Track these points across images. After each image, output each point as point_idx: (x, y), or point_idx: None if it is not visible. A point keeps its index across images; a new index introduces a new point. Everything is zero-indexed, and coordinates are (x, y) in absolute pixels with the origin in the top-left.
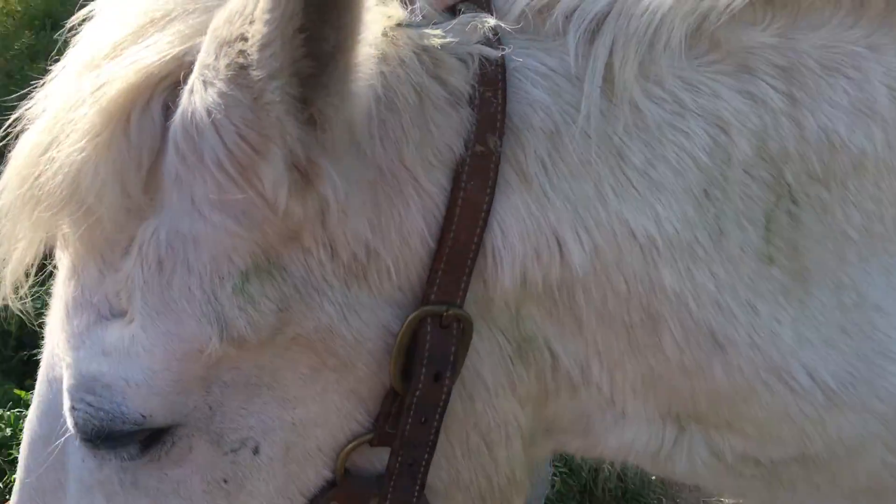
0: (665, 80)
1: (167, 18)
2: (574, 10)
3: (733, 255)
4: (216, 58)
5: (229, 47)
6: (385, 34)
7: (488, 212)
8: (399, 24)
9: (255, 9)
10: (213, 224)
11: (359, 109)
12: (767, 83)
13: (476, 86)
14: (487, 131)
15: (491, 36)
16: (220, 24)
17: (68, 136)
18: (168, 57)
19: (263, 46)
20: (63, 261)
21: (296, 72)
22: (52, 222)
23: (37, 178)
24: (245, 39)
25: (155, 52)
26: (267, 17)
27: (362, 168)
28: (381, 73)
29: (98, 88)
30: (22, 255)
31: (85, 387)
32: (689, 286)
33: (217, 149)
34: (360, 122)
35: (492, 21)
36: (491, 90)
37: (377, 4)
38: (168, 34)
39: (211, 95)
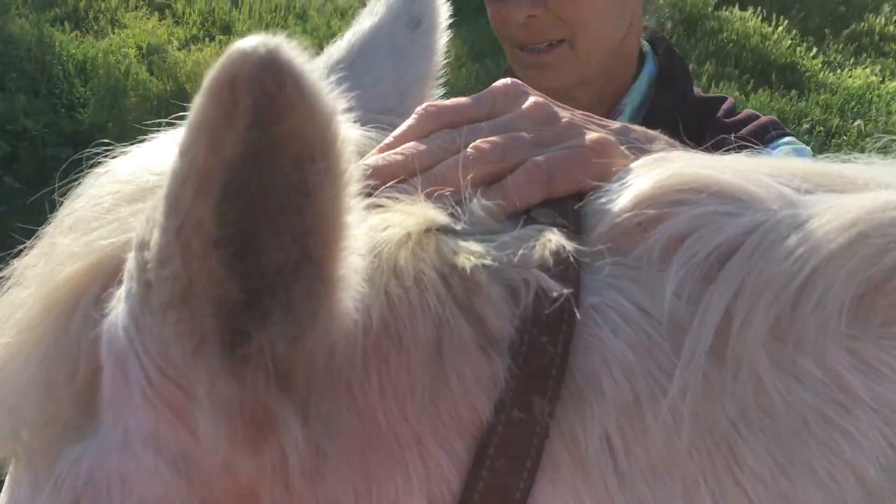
0: (817, 351)
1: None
2: (686, 238)
3: None
4: (134, 264)
5: (140, 252)
6: (409, 238)
7: (524, 502)
8: (430, 230)
9: (154, 210)
10: (146, 466)
11: (337, 338)
12: None
13: (526, 328)
14: (534, 393)
15: (564, 257)
16: (142, 217)
17: (10, 316)
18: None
19: (161, 263)
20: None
21: (215, 299)
22: None
23: None
24: (148, 248)
25: (121, 229)
26: (162, 222)
27: (350, 416)
28: (386, 292)
29: (49, 264)
30: None
31: None
32: None
33: (140, 378)
34: (343, 354)
35: (564, 240)
36: (548, 335)
37: (386, 203)
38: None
39: (125, 313)
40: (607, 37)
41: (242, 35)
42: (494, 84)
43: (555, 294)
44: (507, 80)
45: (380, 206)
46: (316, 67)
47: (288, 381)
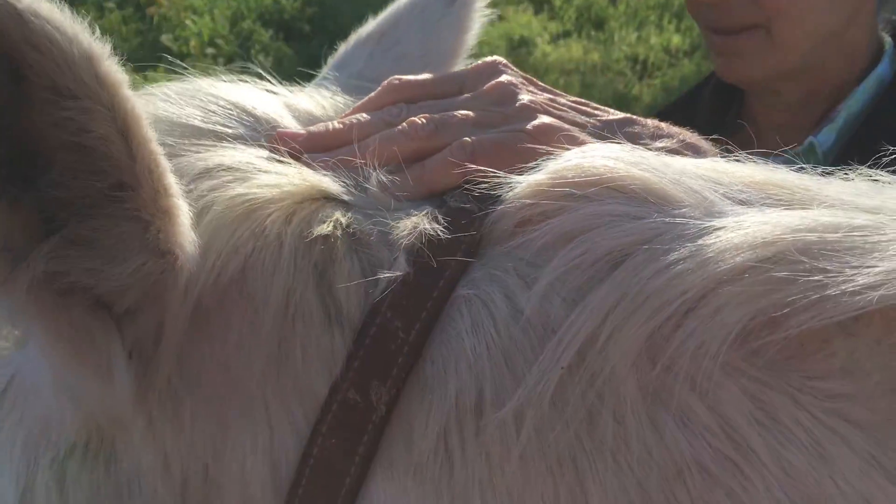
0: (709, 389)
1: None
2: (576, 236)
3: None
4: None
5: None
6: (286, 201)
7: (354, 491)
8: (316, 197)
9: None
10: (46, 383)
11: (166, 280)
12: None
13: (379, 309)
14: (373, 377)
15: (438, 244)
16: None
17: None
18: None
19: None
20: None
21: None
22: None
23: None
24: None
25: None
26: None
27: (208, 364)
28: (247, 247)
29: None
30: None
31: None
32: None
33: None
34: (189, 301)
35: (440, 227)
36: (403, 321)
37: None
38: None
39: None
40: (814, 26)
41: (616, 31)
42: (476, 62)
43: (419, 280)
44: (489, 59)
45: (279, 167)
46: (66, 17)
47: (110, 308)
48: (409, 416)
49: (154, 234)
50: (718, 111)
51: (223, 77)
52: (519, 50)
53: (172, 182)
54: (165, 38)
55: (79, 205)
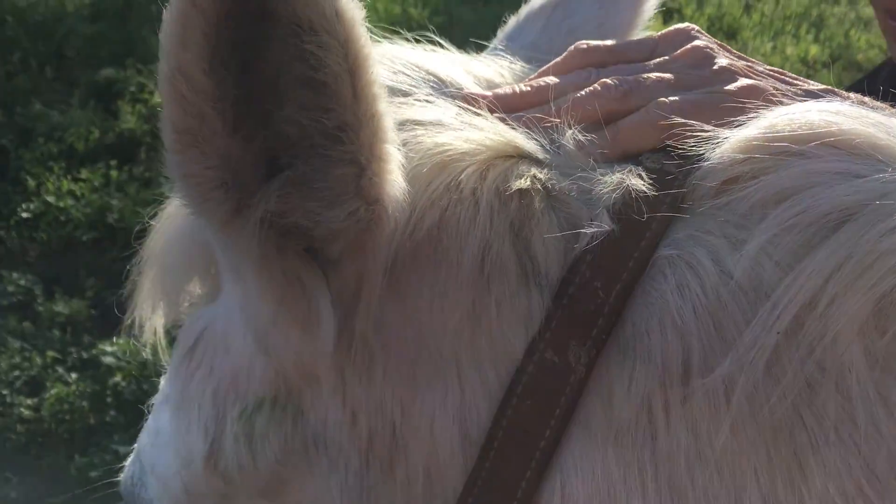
0: None
1: None
2: (791, 195)
3: None
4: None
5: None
6: (482, 155)
7: (548, 455)
8: (510, 155)
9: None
10: (241, 336)
11: (374, 228)
12: None
13: (578, 268)
14: (572, 338)
15: (639, 203)
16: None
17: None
18: None
19: (165, 112)
20: None
21: (219, 152)
22: None
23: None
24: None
25: None
26: (161, 69)
27: (399, 319)
28: (442, 201)
29: None
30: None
31: (135, 462)
32: None
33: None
34: (387, 251)
35: (644, 185)
36: (602, 280)
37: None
38: None
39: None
40: None
41: (750, 41)
42: (667, 29)
43: (621, 238)
44: (680, 25)
45: (473, 120)
46: None
47: (318, 256)
48: (609, 379)
49: (368, 179)
50: (893, 98)
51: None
52: None
53: (390, 127)
54: None
55: (303, 145)
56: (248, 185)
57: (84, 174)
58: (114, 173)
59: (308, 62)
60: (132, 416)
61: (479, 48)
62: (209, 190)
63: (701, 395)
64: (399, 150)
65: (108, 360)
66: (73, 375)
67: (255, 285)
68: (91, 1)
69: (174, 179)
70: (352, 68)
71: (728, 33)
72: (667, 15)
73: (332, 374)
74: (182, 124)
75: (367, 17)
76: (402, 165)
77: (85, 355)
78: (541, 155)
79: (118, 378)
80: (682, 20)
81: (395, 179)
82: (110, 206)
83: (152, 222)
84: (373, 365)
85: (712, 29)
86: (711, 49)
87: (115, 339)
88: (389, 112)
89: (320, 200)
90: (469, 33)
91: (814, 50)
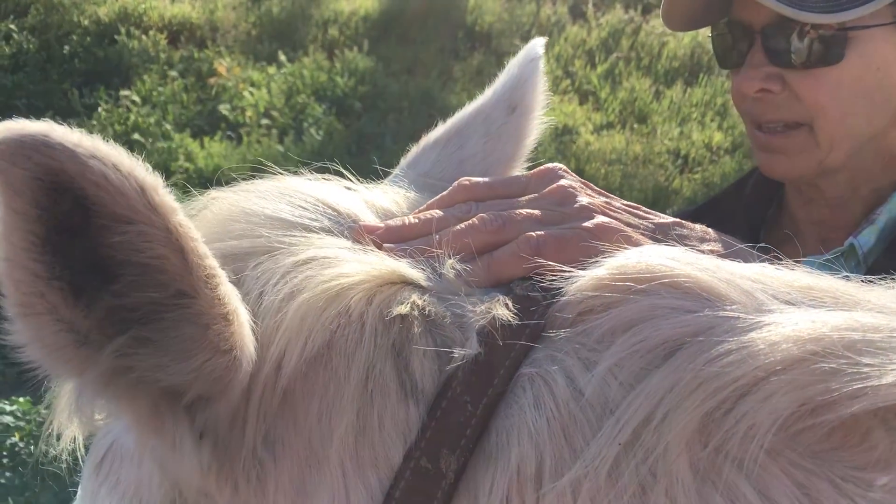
0: (757, 473)
1: None
2: (635, 325)
3: None
4: None
5: None
6: (368, 283)
7: None
8: (395, 281)
9: None
10: (135, 452)
11: (231, 368)
12: None
13: (450, 384)
14: (444, 446)
15: (508, 327)
16: None
17: None
18: None
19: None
20: None
21: (60, 322)
22: None
23: None
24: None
25: None
26: None
27: (292, 434)
28: (332, 325)
29: None
30: None
31: None
32: None
33: None
34: (270, 381)
35: (509, 312)
36: (471, 395)
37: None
38: None
39: None
40: (856, 127)
41: (659, 126)
42: (538, 167)
43: (488, 359)
44: (549, 165)
45: (361, 255)
46: (123, 156)
47: (179, 399)
48: (475, 483)
49: (215, 335)
50: (759, 205)
51: (307, 175)
52: (563, 138)
53: (228, 291)
54: (223, 108)
55: (144, 309)
56: (97, 342)
57: None
58: None
59: (127, 248)
60: (28, 477)
61: (402, 113)
62: (55, 350)
63: (552, 497)
64: (286, 286)
65: (7, 419)
66: None
67: (127, 417)
68: (11, 52)
69: (22, 343)
70: (178, 247)
71: (639, 117)
72: (582, 97)
73: (227, 487)
74: (23, 301)
75: (293, 84)
76: (296, 295)
77: None
78: (423, 282)
79: (16, 438)
80: (597, 103)
81: (244, 332)
82: None
83: None
84: (264, 476)
85: (624, 113)
86: (574, 188)
87: (12, 398)
88: (225, 277)
89: (168, 356)
90: (394, 103)
91: (717, 137)
